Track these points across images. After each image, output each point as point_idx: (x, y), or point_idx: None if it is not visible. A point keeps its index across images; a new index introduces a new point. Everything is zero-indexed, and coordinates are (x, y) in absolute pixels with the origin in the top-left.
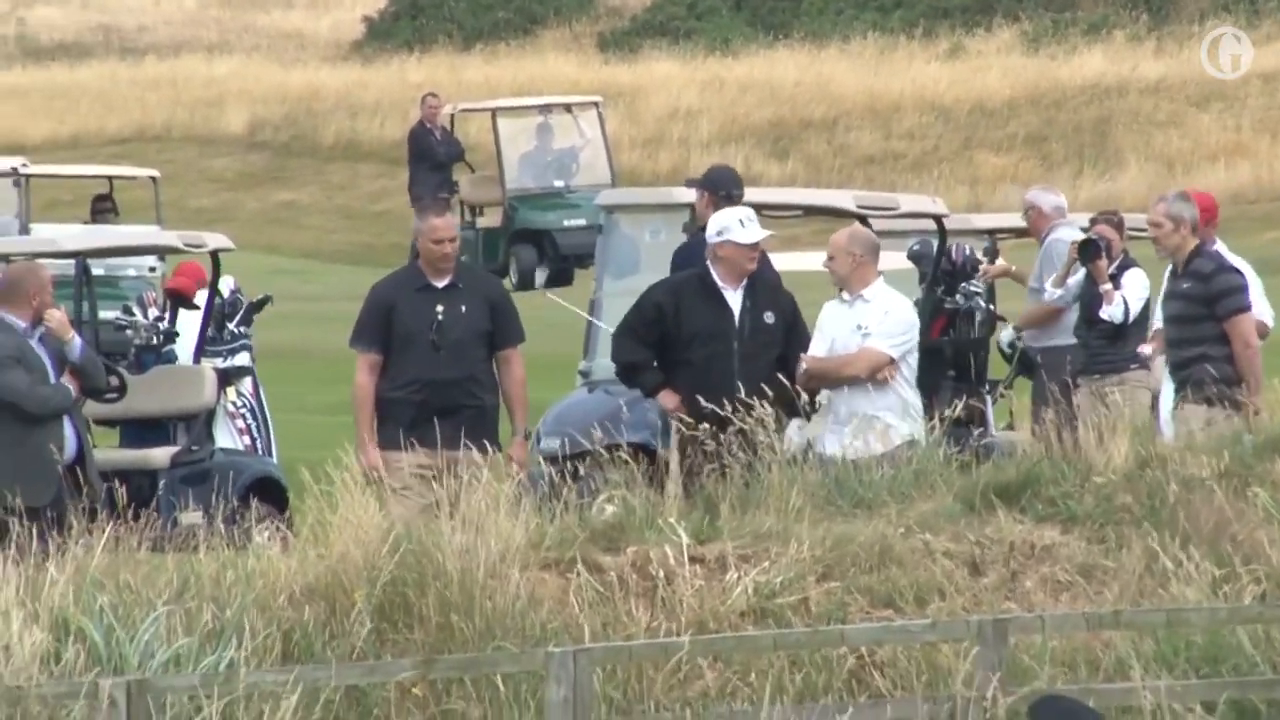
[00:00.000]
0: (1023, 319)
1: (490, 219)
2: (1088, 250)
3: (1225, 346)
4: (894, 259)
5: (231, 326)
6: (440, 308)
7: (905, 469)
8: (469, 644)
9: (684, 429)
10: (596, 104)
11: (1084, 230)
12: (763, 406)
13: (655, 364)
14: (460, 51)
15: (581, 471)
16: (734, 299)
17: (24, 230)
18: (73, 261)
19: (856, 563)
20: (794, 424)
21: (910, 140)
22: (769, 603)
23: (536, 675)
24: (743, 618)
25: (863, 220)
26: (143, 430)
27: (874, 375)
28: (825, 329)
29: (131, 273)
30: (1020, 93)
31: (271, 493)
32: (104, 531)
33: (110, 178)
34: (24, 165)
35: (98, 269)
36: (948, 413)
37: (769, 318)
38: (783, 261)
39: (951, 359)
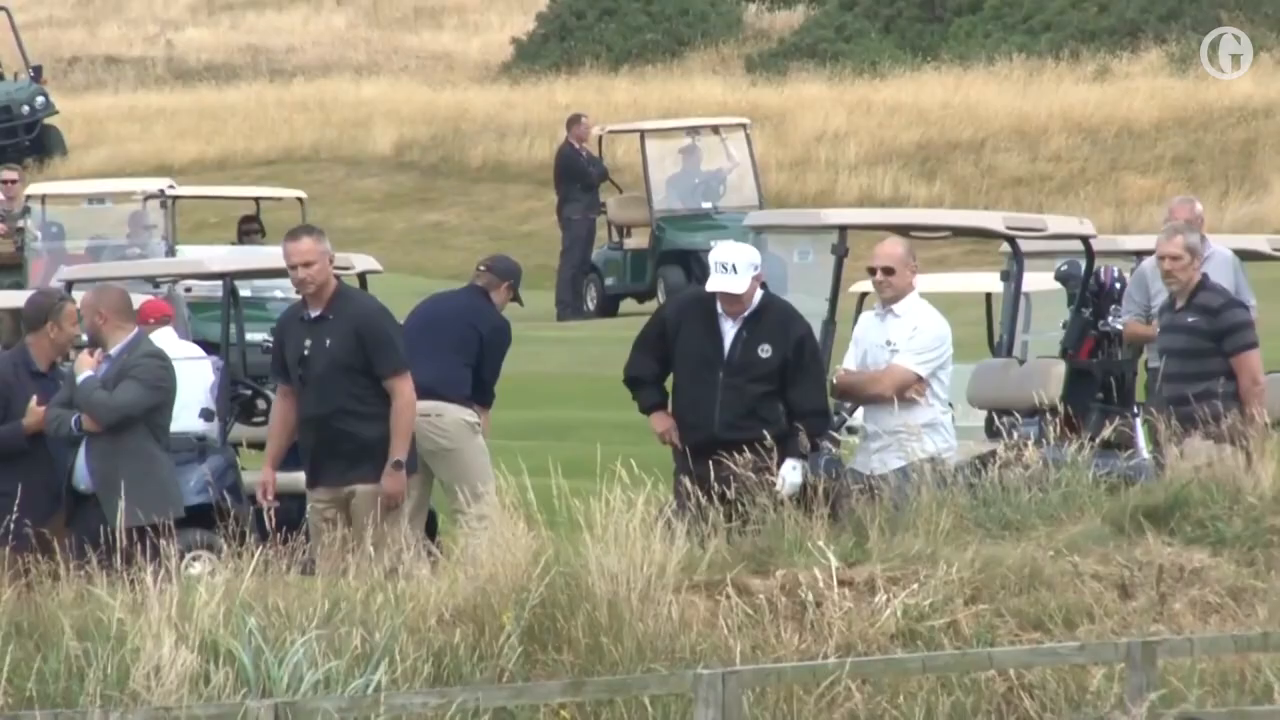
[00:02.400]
0: None
1: (638, 240)
2: None
3: (1232, 381)
4: (1042, 280)
5: None
6: (308, 341)
7: (1053, 491)
8: (618, 666)
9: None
10: (744, 126)
11: None
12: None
13: (660, 381)
14: (608, 73)
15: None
16: (728, 328)
17: (170, 252)
18: (220, 283)
19: (1005, 585)
20: (789, 463)
21: (1057, 162)
22: (918, 625)
23: (686, 697)
24: (892, 640)
25: (1011, 241)
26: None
27: (901, 393)
28: (859, 341)
29: (278, 294)
30: (1167, 115)
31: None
32: (253, 555)
33: (257, 199)
34: (171, 187)
35: (244, 290)
36: (1097, 436)
37: (764, 351)
38: (930, 282)
39: (1100, 381)
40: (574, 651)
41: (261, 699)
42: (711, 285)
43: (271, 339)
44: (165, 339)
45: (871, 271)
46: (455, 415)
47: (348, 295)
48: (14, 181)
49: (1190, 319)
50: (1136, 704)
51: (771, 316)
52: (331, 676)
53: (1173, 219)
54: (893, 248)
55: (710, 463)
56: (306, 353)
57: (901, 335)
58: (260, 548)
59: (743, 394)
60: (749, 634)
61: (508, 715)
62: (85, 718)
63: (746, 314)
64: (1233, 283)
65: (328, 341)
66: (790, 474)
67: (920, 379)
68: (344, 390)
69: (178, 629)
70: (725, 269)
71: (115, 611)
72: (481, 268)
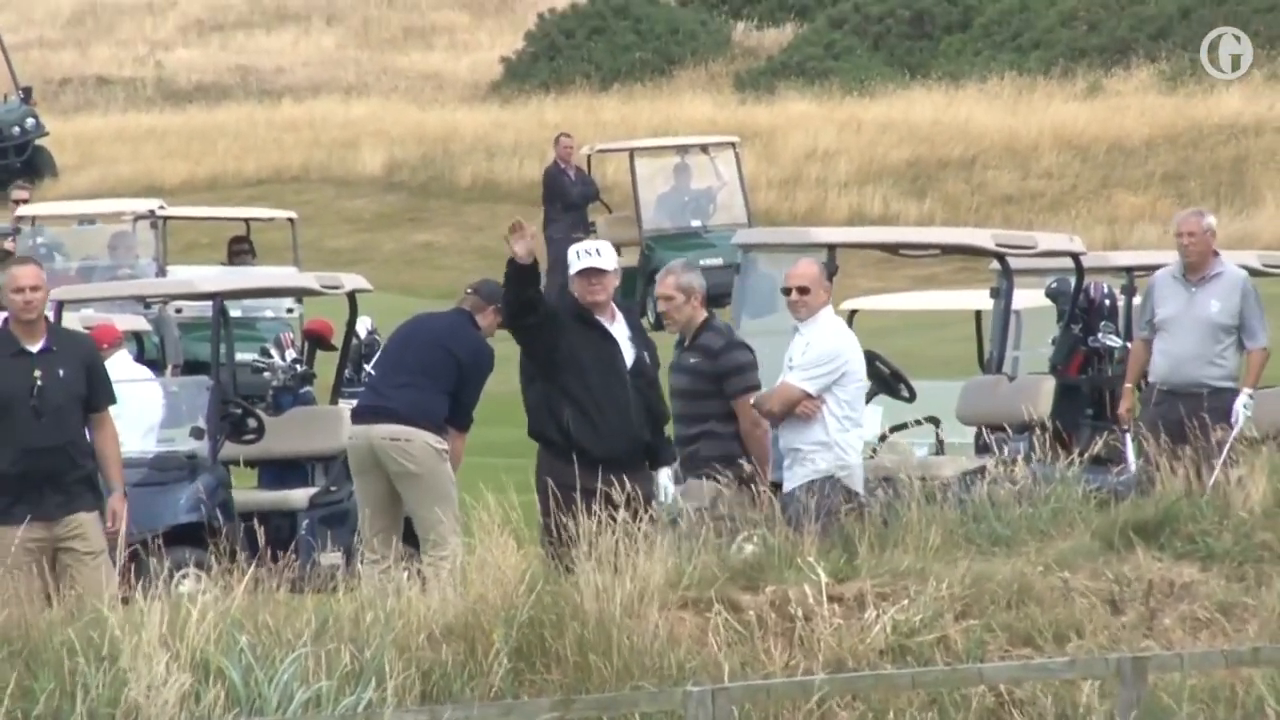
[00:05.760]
0: (1253, 375)
1: (627, 259)
2: None
3: (732, 424)
4: (1032, 297)
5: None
6: (38, 372)
7: (1043, 506)
8: (607, 684)
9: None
10: (734, 144)
11: None
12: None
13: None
14: (597, 92)
15: (721, 509)
16: (619, 333)
17: (161, 272)
18: (210, 303)
19: (995, 601)
20: (664, 473)
21: (1048, 179)
22: (908, 641)
23: (675, 715)
24: (881, 656)
25: (1001, 259)
26: (281, 471)
27: (788, 411)
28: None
29: (269, 314)
30: (1158, 132)
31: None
32: (244, 573)
33: (247, 219)
34: (161, 207)
35: (235, 311)
36: (1086, 451)
37: (647, 356)
38: (920, 300)
39: (1089, 397)
40: (562, 669)
41: (253, 717)
42: (581, 265)
43: (261, 359)
44: (120, 363)
45: (786, 292)
46: (423, 441)
47: (64, 330)
48: (26, 201)
49: (692, 360)
50: (1127, 719)
51: (634, 322)
52: (322, 695)
53: (1180, 232)
54: (808, 268)
55: (617, 475)
56: (40, 384)
57: (797, 353)
58: (251, 566)
59: (646, 398)
60: (738, 650)
61: None
62: None
63: (625, 319)
64: (1236, 306)
65: (61, 373)
66: (670, 483)
67: (810, 396)
68: (75, 422)
69: (168, 647)
70: (590, 254)
71: (110, 629)
72: (468, 290)
